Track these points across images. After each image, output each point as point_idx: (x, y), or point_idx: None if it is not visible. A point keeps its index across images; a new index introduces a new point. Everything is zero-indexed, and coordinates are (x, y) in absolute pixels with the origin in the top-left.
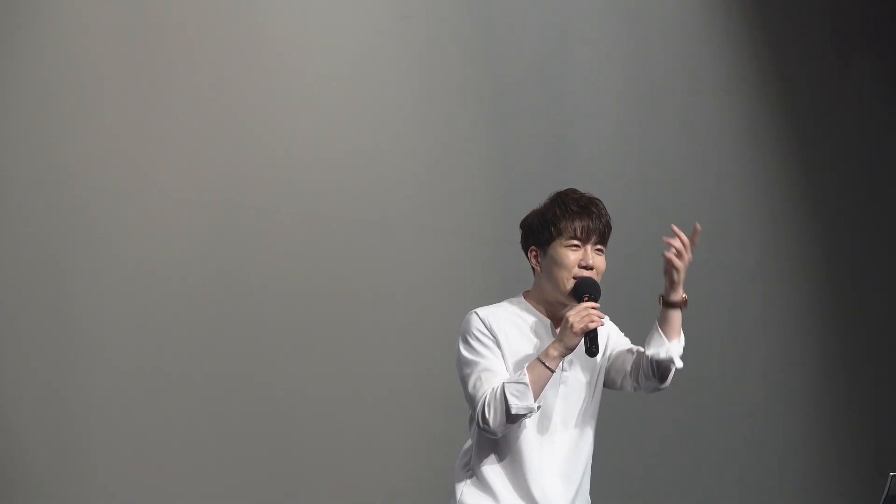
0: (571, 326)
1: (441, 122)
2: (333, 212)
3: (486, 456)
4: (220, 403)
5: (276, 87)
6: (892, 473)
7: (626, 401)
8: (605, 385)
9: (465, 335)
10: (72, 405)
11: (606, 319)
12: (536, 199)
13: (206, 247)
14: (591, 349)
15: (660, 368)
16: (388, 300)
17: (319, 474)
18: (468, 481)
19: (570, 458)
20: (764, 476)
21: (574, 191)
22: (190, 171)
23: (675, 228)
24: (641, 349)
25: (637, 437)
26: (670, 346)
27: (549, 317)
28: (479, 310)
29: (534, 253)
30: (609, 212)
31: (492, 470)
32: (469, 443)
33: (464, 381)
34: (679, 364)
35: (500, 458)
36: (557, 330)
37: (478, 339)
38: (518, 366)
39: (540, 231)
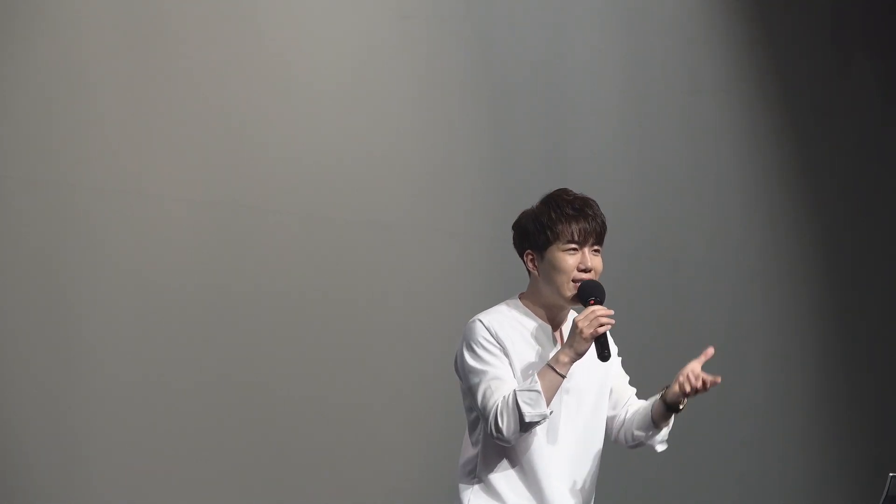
0: (581, 332)
1: (440, 122)
2: (333, 212)
3: (493, 462)
4: (219, 404)
5: (275, 87)
6: (891, 474)
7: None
8: None
9: (469, 343)
10: (70, 407)
11: (613, 351)
12: (537, 199)
13: (205, 248)
14: (603, 353)
15: (639, 445)
16: (388, 301)
17: (319, 474)
18: (475, 487)
19: (578, 462)
20: (764, 476)
21: (566, 191)
22: (190, 172)
23: (703, 376)
24: (634, 406)
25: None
26: (658, 435)
27: (547, 320)
28: (481, 317)
29: (530, 257)
30: (608, 212)
31: (500, 476)
32: (472, 451)
33: (471, 390)
34: (662, 448)
35: (509, 465)
36: (556, 334)
37: (484, 348)
38: (524, 372)
39: (535, 235)
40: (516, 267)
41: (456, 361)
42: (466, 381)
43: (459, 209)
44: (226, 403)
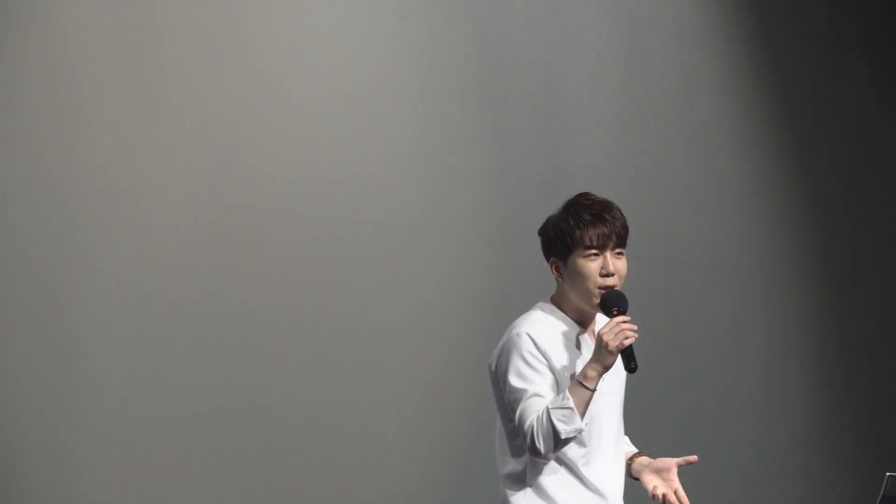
0: (606, 345)
1: (440, 123)
2: (331, 214)
3: (541, 465)
4: (219, 404)
5: (274, 88)
6: (888, 474)
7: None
8: None
9: (513, 357)
10: (67, 407)
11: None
12: (536, 200)
13: (204, 248)
14: (630, 365)
15: None
16: (388, 302)
17: (319, 474)
18: (527, 491)
19: (617, 458)
20: (762, 476)
21: (586, 196)
22: (188, 172)
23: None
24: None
25: (636, 437)
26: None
27: (579, 323)
28: (528, 329)
29: (555, 264)
30: None
31: (551, 479)
32: (517, 457)
33: (510, 404)
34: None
35: (559, 465)
36: (585, 335)
37: (528, 363)
38: (566, 381)
39: (556, 242)
40: (517, 268)
41: (495, 368)
42: (505, 393)
43: (459, 210)
44: (225, 403)
